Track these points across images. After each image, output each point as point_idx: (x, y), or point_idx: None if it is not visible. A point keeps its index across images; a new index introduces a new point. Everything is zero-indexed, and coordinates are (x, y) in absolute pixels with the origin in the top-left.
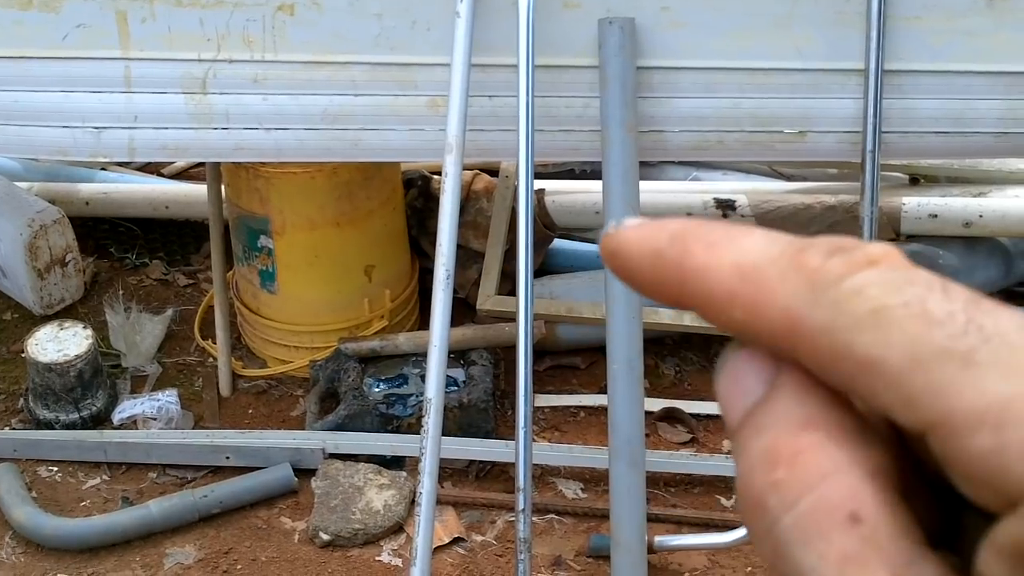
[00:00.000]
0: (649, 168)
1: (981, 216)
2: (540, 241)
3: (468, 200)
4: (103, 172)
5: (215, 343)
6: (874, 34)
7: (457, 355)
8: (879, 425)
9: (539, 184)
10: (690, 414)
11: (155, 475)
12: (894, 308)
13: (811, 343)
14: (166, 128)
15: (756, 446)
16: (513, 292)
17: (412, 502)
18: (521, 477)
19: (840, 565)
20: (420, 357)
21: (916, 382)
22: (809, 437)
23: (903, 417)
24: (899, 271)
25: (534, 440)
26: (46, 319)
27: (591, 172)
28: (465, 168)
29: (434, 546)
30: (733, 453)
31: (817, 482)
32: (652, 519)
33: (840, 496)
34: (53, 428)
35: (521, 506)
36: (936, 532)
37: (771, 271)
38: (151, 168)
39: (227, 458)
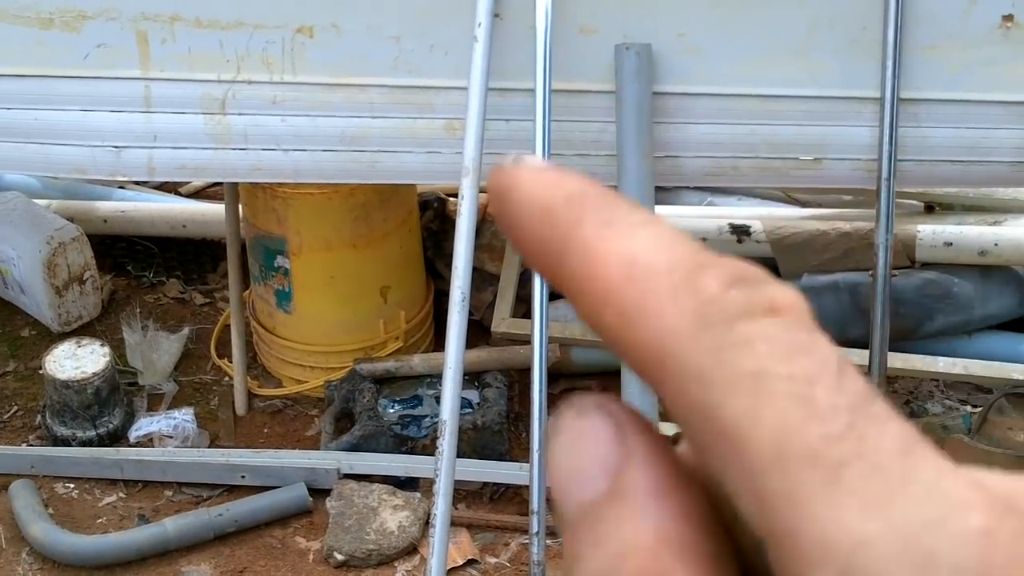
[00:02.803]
0: (664, 193)
1: (996, 244)
2: None
3: (484, 223)
4: (121, 191)
5: (231, 362)
6: (890, 63)
7: (472, 377)
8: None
9: None
10: None
11: (171, 493)
12: (777, 378)
13: (679, 387)
14: (185, 148)
15: (595, 562)
16: (528, 315)
17: (426, 523)
18: (535, 499)
19: None
20: (435, 378)
21: (773, 482)
22: (656, 565)
23: (748, 513)
24: (798, 332)
25: None
26: (64, 336)
27: None
28: (481, 191)
29: (448, 568)
30: (564, 546)
31: None
32: None
33: None
34: (70, 445)
35: (535, 529)
36: None
37: (662, 281)
38: (168, 187)
39: (242, 477)
